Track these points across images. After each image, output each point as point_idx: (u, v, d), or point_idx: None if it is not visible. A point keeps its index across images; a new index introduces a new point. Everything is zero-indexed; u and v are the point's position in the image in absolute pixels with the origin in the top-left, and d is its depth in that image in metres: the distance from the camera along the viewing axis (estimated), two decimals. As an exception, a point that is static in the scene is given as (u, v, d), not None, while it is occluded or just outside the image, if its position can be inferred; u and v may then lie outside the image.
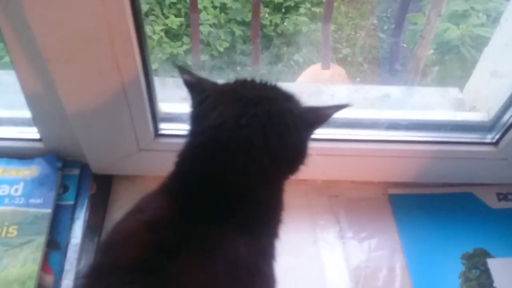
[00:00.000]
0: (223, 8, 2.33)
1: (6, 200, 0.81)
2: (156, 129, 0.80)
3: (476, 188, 0.89)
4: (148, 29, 2.19)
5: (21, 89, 0.75)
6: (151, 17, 2.26)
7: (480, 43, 1.60)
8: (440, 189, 0.89)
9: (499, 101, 0.82)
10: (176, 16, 2.28)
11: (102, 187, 0.87)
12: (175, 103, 0.83)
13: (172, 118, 0.82)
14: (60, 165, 0.86)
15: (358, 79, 2.21)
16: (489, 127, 0.84)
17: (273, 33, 2.32)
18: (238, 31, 2.26)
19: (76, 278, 0.75)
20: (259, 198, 0.58)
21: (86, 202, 0.84)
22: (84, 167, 0.87)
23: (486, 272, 0.80)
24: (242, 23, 2.30)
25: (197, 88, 0.59)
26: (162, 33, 2.21)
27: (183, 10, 2.30)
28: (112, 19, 0.60)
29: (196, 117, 0.58)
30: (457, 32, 1.59)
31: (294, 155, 0.58)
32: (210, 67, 2.15)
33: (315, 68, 1.77)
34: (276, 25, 2.33)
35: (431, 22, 1.30)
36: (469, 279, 0.79)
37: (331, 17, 1.12)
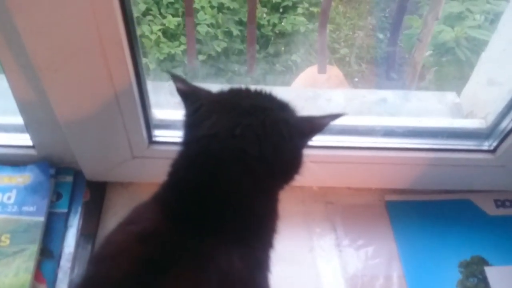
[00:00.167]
0: (221, 8, 2.32)
1: (-1, 208, 0.80)
2: (150, 136, 0.79)
3: (473, 195, 0.88)
4: (145, 29, 2.18)
5: (13, 96, 0.74)
6: (149, 17, 2.25)
7: (476, 45, 1.59)
8: (437, 196, 0.88)
9: (497, 107, 0.81)
10: (173, 16, 2.27)
11: (96, 194, 0.86)
12: (169, 109, 0.82)
13: (166, 125, 0.81)
14: (53, 172, 0.84)
15: (356, 79, 2.20)
16: (486, 134, 0.83)
17: (271, 33, 2.31)
18: (235, 31, 2.25)
19: (69, 288, 0.75)
20: (253, 208, 0.57)
21: (79, 210, 0.83)
22: (77, 174, 0.86)
23: (484, 280, 0.79)
24: (240, 23, 2.29)
25: (191, 97, 0.58)
26: (160, 33, 2.20)
27: (180, 10, 2.29)
28: (102, 26, 0.59)
29: (190, 126, 0.57)
30: (451, 34, 1.57)
31: (289, 165, 0.57)
32: (208, 67, 2.14)
33: (312, 70, 1.77)
34: (274, 25, 2.33)
35: (428, 25, 1.30)
36: (466, 288, 0.78)
37: (327, 23, 1.12)
